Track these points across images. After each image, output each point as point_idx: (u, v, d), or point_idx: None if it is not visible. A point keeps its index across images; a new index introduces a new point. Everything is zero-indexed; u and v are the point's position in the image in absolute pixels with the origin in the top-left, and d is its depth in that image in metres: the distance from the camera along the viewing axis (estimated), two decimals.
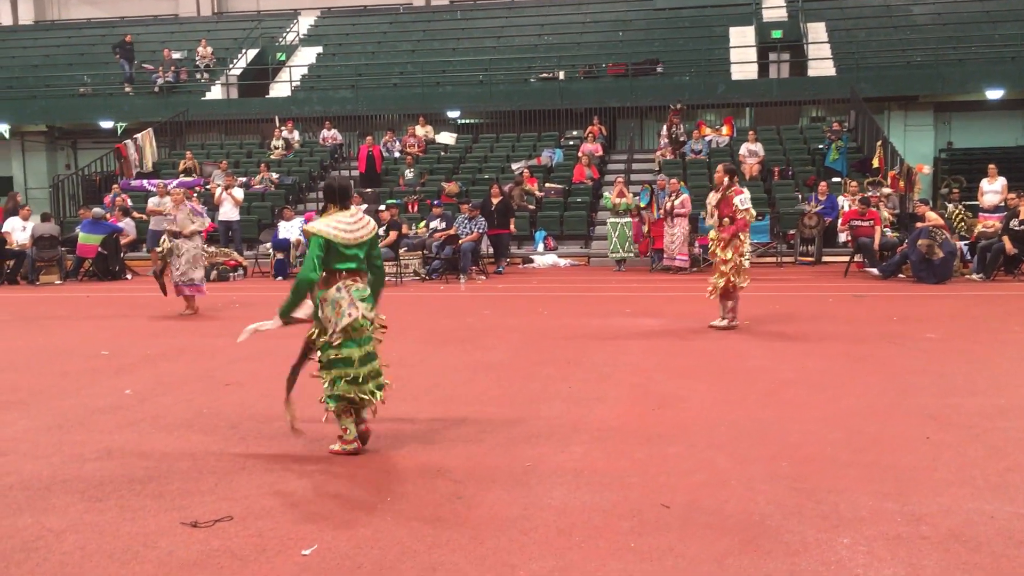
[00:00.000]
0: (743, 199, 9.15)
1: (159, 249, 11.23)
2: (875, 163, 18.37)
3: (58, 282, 16.05)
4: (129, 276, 16.84)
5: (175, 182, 20.47)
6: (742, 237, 9.25)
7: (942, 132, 23.34)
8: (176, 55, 26.45)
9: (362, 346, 5.15)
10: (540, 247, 18.53)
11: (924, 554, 3.71)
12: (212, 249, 16.90)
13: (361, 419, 5.26)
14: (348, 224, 5.10)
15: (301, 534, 4.01)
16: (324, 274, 5.08)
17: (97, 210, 17.00)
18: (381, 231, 14.95)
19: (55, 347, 9.15)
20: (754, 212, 9.36)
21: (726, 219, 9.24)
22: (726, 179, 9.34)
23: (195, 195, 19.23)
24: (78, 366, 8.06)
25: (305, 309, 5.23)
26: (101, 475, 4.89)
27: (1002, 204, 16.18)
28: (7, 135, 26.10)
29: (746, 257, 9.30)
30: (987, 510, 4.18)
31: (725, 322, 9.35)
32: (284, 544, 3.91)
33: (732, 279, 9.16)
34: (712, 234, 9.52)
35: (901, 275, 14.26)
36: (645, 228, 16.58)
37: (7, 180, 27.43)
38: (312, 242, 5.08)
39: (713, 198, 9.50)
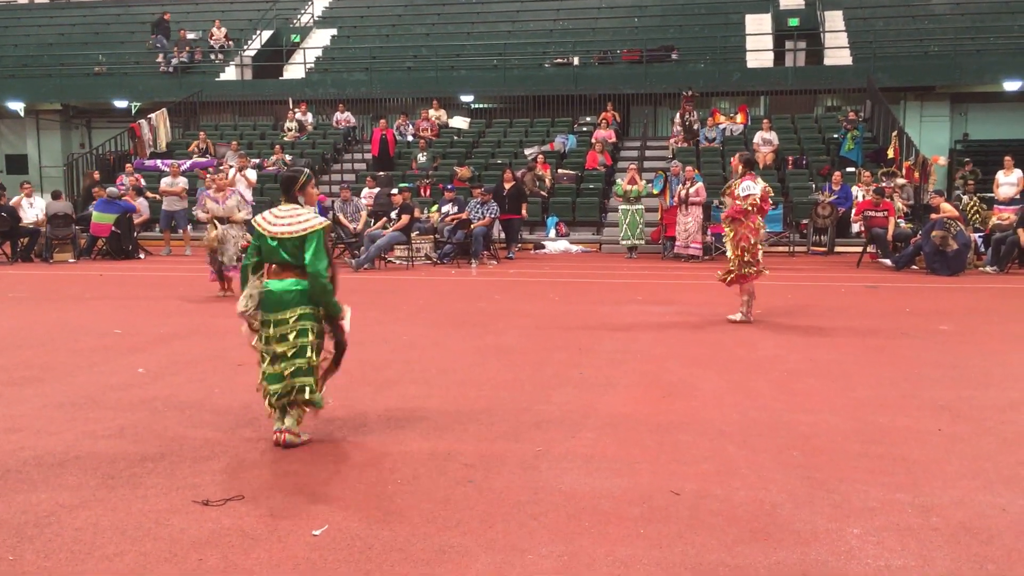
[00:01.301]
0: (746, 186, 8.99)
1: (215, 234, 11.14)
2: (890, 154, 18.26)
3: (72, 260, 16.12)
4: (142, 255, 16.90)
5: (188, 162, 20.56)
6: (754, 225, 9.03)
7: (958, 123, 23.18)
8: (191, 35, 26.44)
9: (268, 345, 5.01)
10: (552, 233, 18.51)
11: (935, 546, 3.70)
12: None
13: (282, 428, 5.03)
14: (276, 217, 5.03)
15: (312, 514, 4.03)
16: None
17: (111, 189, 17.05)
18: (393, 214, 14.99)
19: (69, 325, 9.19)
20: (757, 200, 9.01)
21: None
22: (740, 168, 9.24)
23: (208, 175, 19.33)
24: (91, 344, 8.10)
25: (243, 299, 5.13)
26: (114, 452, 4.92)
27: (1018, 196, 16.09)
28: (22, 113, 26.19)
29: (754, 245, 9.03)
30: (999, 503, 4.17)
31: (741, 316, 9.19)
32: (295, 524, 3.93)
33: (736, 266, 9.01)
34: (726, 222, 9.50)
35: (914, 266, 14.21)
36: (658, 216, 16.55)
37: (22, 158, 27.54)
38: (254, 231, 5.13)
39: (726, 187, 9.53)
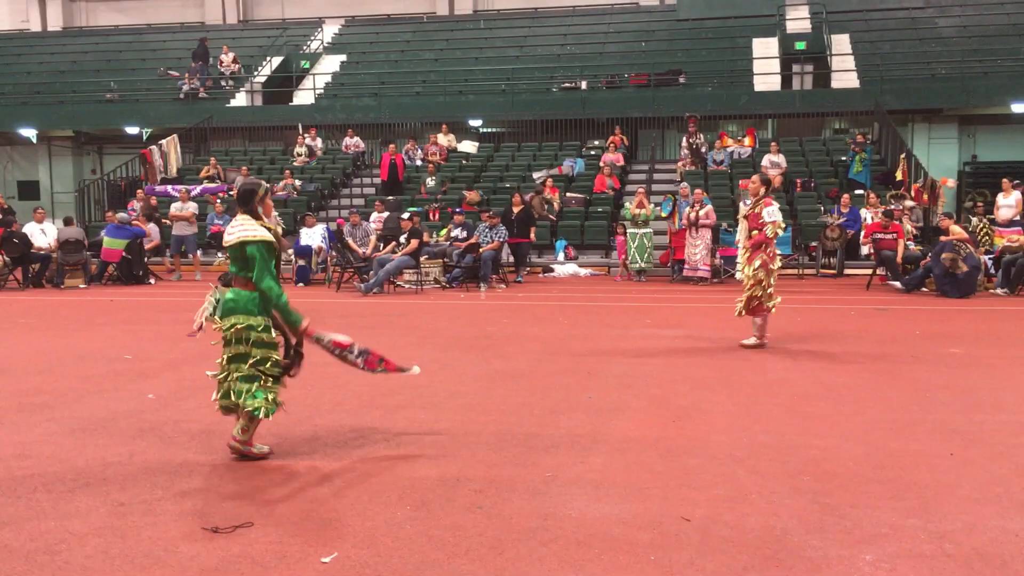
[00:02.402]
0: (770, 211, 8.80)
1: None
2: (899, 176, 18.27)
3: (83, 286, 16.20)
4: (153, 280, 16.98)
5: (198, 188, 20.69)
6: (770, 252, 8.88)
7: (966, 145, 23.18)
8: (201, 62, 26.68)
9: (224, 351, 5.17)
10: (560, 256, 18.54)
11: (948, 572, 3.67)
12: None
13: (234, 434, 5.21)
14: (231, 227, 5.21)
15: (321, 541, 4.02)
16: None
17: (121, 215, 17.16)
18: (402, 239, 15.03)
19: (79, 351, 9.23)
20: (782, 225, 8.95)
21: (754, 231, 8.90)
22: (762, 189, 8.93)
23: (218, 200, 19.45)
24: (101, 370, 8.12)
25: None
26: (123, 479, 4.93)
27: (1017, 218, 16.06)
28: (35, 140, 26.43)
29: (772, 275, 8.88)
30: (1012, 528, 4.13)
31: (754, 340, 9.02)
32: (304, 551, 3.92)
33: (756, 295, 8.83)
34: (740, 248, 9.36)
35: (924, 289, 14.17)
36: (666, 239, 16.56)
37: (34, 184, 27.77)
38: None
39: (744, 209, 9.20)
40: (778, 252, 9.20)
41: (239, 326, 5.10)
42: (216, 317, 5.20)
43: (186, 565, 3.78)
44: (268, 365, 5.15)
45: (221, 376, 5.21)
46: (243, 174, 20.66)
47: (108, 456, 5.38)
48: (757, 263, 8.85)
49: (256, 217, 5.20)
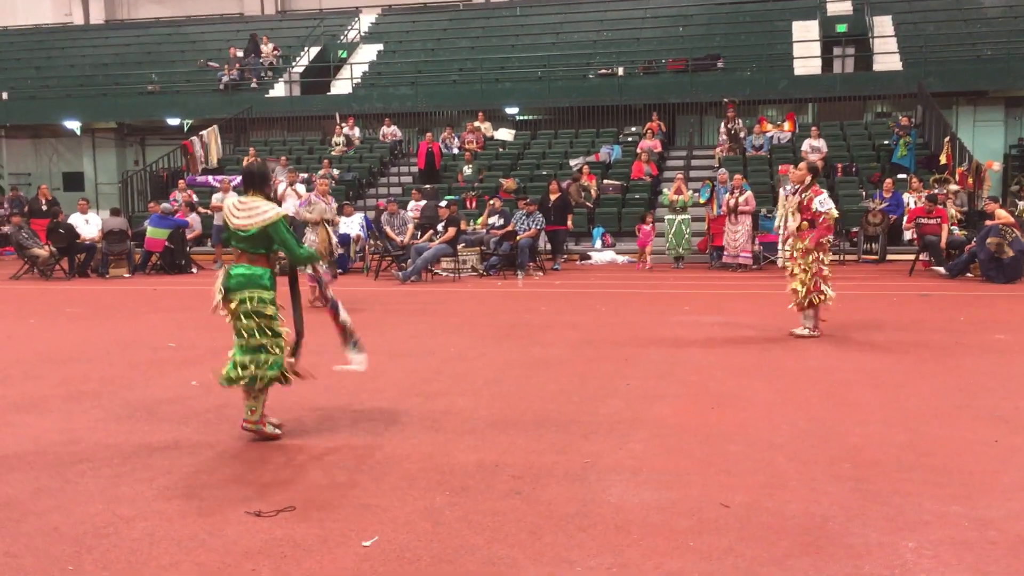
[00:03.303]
0: (823, 199, 8.43)
1: (319, 240, 11.31)
2: (943, 159, 17.96)
3: (127, 275, 16.46)
4: (195, 270, 17.20)
5: (238, 178, 20.89)
6: (824, 242, 8.55)
7: (1013, 128, 22.70)
8: (241, 53, 26.93)
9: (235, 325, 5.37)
10: (598, 244, 18.49)
11: (992, 559, 3.62)
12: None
13: (245, 416, 5.40)
14: (239, 209, 5.40)
15: (362, 525, 4.07)
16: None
17: (165, 205, 17.40)
18: (440, 227, 15.09)
19: (124, 339, 9.39)
20: (835, 212, 8.57)
21: (805, 223, 8.50)
22: (808, 178, 8.58)
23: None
24: (146, 357, 8.26)
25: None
26: (169, 464, 5.02)
27: None
28: (79, 132, 26.85)
29: (826, 265, 8.56)
30: None
31: (807, 331, 8.67)
32: (345, 535, 3.97)
33: (813, 289, 8.44)
34: (792, 240, 8.71)
35: (969, 274, 13.94)
36: (704, 225, 16.45)
37: (79, 175, 28.25)
38: None
39: (792, 201, 8.60)
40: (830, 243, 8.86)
41: (253, 299, 5.34)
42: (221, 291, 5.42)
43: (230, 548, 3.85)
44: (276, 337, 5.40)
45: (240, 350, 5.39)
46: (282, 164, 20.83)
47: (153, 442, 5.48)
48: (810, 258, 8.46)
49: (267, 197, 5.51)
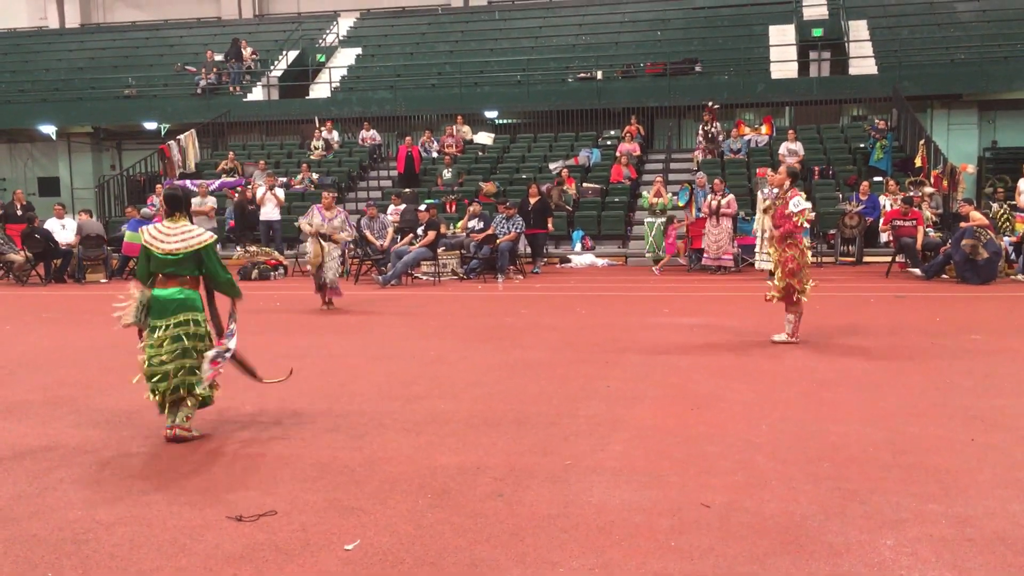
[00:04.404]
0: (796, 201, 8.35)
1: (317, 250, 11.34)
2: (918, 162, 18.14)
3: (104, 280, 16.34)
4: None
5: (216, 182, 20.80)
6: (801, 245, 8.46)
7: (986, 131, 22.97)
8: (218, 57, 26.81)
9: (157, 347, 5.45)
10: (577, 247, 18.53)
11: (970, 556, 3.67)
12: (253, 248, 17.14)
13: (173, 423, 5.50)
14: (164, 233, 5.56)
15: (344, 529, 4.06)
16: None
17: (145, 210, 17.28)
18: (420, 231, 15.08)
19: (101, 344, 9.31)
20: (810, 215, 8.51)
21: (778, 227, 8.48)
22: (787, 182, 8.54)
23: (236, 194, 19.55)
24: (124, 362, 8.16)
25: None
26: (148, 470, 4.99)
27: None
28: (54, 136, 26.62)
29: (803, 267, 8.45)
30: None
31: (785, 337, 8.59)
32: (327, 539, 3.96)
33: (792, 283, 8.36)
34: (766, 240, 8.74)
35: (944, 275, 14.08)
36: (684, 229, 16.51)
37: (54, 180, 28.01)
38: (142, 246, 5.67)
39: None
40: (807, 246, 8.75)
41: (190, 321, 5.50)
42: (143, 317, 5.51)
43: (211, 553, 3.83)
44: (207, 354, 5.53)
45: (161, 369, 5.43)
46: (261, 168, 20.77)
47: (132, 447, 5.45)
48: (788, 252, 8.42)
49: (188, 222, 5.71)
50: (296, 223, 11.43)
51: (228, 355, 5.67)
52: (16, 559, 3.81)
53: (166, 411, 5.52)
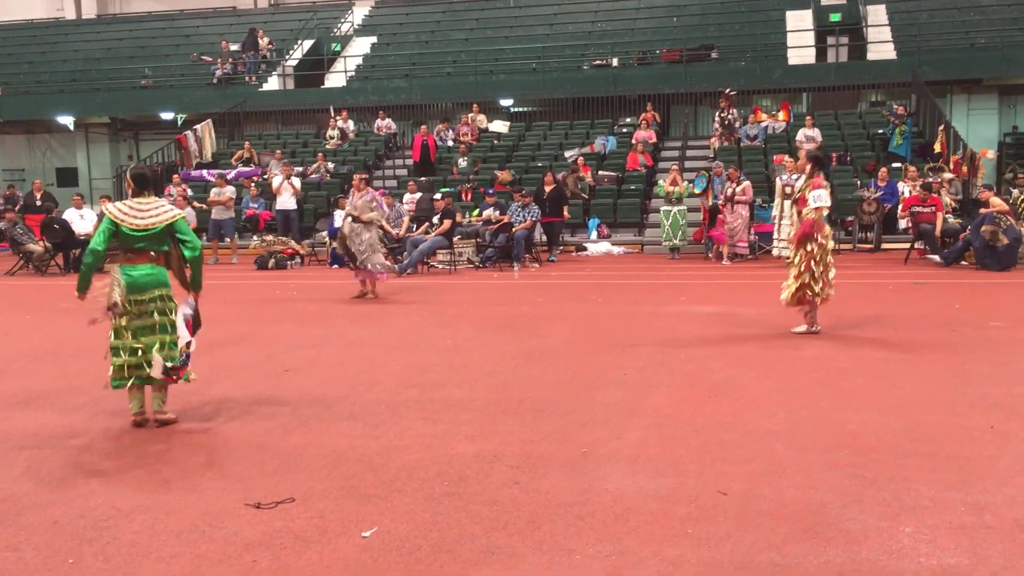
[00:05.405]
0: (817, 195, 8.07)
1: (345, 227, 11.56)
2: (937, 148, 17.97)
3: None
4: None
5: (233, 172, 20.87)
6: (819, 239, 8.15)
7: (1007, 116, 22.72)
8: (234, 47, 26.85)
9: (130, 323, 5.56)
10: (593, 235, 18.49)
11: (989, 544, 3.65)
12: (270, 238, 17.21)
13: (139, 410, 5.63)
14: (136, 210, 5.61)
15: (361, 516, 4.08)
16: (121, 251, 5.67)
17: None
18: (435, 219, 15.09)
19: None
20: (827, 208, 8.23)
21: (803, 212, 8.21)
22: (808, 167, 8.33)
23: (252, 184, 19.61)
24: None
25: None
26: (167, 458, 5.03)
27: None
28: (72, 127, 26.75)
29: (824, 263, 8.19)
30: None
31: (804, 328, 8.41)
32: (345, 526, 3.98)
33: (806, 283, 8.11)
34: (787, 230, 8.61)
35: (964, 262, 13.97)
36: (700, 216, 16.44)
37: (72, 171, 28.17)
38: (104, 220, 5.70)
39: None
40: (831, 238, 8.41)
41: (162, 297, 5.65)
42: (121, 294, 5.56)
43: (230, 539, 3.86)
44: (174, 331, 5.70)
45: (148, 346, 5.54)
46: (277, 157, 20.79)
47: (152, 435, 5.49)
48: (799, 256, 8.20)
49: (157, 198, 5.82)
50: (353, 207, 11.65)
51: (191, 348, 5.79)
52: (38, 545, 3.85)
53: (129, 389, 5.59)
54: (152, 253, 5.65)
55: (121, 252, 5.68)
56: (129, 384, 5.58)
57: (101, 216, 16.45)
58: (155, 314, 5.60)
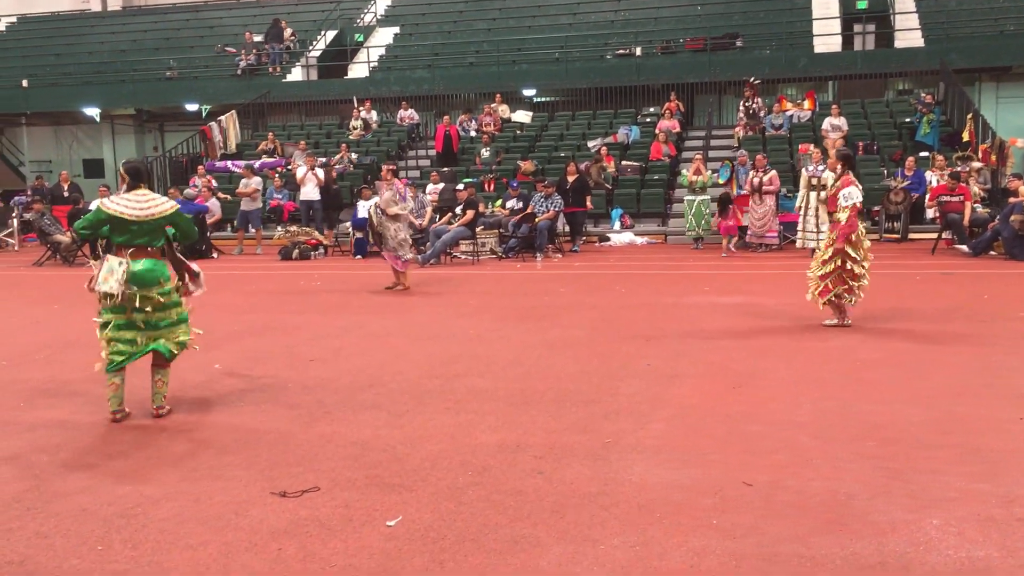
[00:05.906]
0: (847, 193, 7.90)
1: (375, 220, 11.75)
2: (965, 137, 17.75)
3: None
4: (215, 255, 17.27)
5: (257, 163, 20.95)
6: (853, 238, 7.98)
7: None
8: (258, 38, 26.94)
9: (118, 315, 5.64)
10: (616, 225, 18.43)
11: (1019, 536, 3.61)
12: (294, 228, 17.28)
13: (117, 408, 5.65)
14: (133, 202, 5.59)
15: (386, 505, 4.10)
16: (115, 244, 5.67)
17: (187, 191, 17.48)
18: (458, 210, 15.09)
19: None
20: (858, 204, 8.03)
21: (835, 215, 8.07)
22: (839, 167, 8.18)
23: (277, 175, 19.70)
24: None
25: None
26: (194, 446, 5.07)
27: None
28: (98, 118, 26.98)
29: (860, 262, 8.05)
30: None
31: (836, 321, 8.26)
32: (370, 515, 4.00)
33: (837, 289, 8.01)
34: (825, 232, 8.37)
35: (992, 252, 13.80)
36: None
37: (99, 162, 28.42)
38: (95, 209, 5.74)
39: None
40: (864, 235, 8.29)
41: (166, 292, 5.70)
42: (127, 284, 5.56)
43: (256, 528, 3.89)
44: (183, 321, 5.90)
45: (156, 337, 5.69)
46: (301, 148, 20.86)
47: (179, 424, 5.54)
48: (835, 263, 8.02)
49: (150, 191, 5.79)
50: (382, 202, 11.85)
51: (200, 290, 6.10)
52: (67, 533, 3.89)
53: (109, 384, 5.65)
54: (151, 248, 5.67)
55: (121, 251, 5.62)
56: (119, 364, 5.64)
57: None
58: (164, 308, 5.71)
